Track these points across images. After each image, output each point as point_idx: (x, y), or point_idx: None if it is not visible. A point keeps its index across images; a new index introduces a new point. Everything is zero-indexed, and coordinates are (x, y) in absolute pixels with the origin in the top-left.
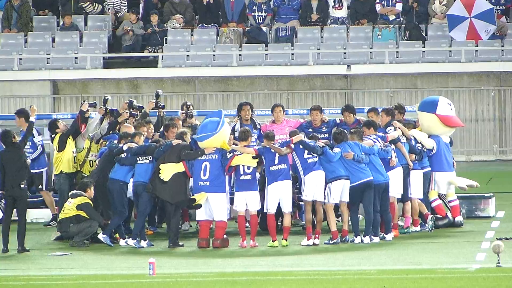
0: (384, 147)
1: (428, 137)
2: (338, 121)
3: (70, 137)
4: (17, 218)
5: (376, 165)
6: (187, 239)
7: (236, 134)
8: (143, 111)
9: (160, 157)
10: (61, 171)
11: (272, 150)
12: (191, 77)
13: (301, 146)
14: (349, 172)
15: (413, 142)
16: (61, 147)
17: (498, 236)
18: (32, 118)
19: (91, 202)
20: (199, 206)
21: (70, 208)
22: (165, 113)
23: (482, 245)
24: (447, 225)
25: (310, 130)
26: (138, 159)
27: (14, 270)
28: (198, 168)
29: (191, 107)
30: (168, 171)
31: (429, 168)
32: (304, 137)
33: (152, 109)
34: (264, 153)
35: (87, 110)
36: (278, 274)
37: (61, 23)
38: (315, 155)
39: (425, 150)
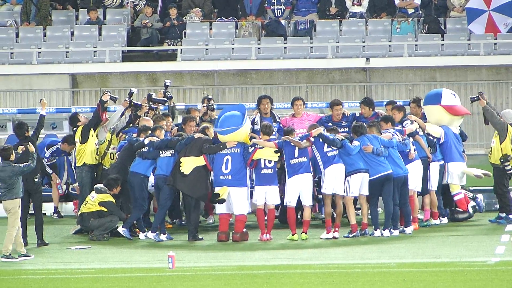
0: (402, 140)
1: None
2: (357, 115)
3: (92, 128)
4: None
5: (395, 158)
6: (207, 233)
7: (256, 127)
8: (166, 104)
9: (181, 150)
10: (84, 163)
11: (292, 144)
12: (210, 71)
13: (320, 140)
14: (368, 166)
15: (426, 134)
16: (84, 138)
17: None
18: (42, 112)
19: (114, 201)
20: (223, 200)
21: (92, 203)
22: (174, 102)
23: (501, 238)
24: (466, 219)
25: (330, 124)
26: (160, 152)
27: (33, 263)
28: (220, 162)
29: (212, 101)
30: (188, 164)
31: (443, 161)
32: (324, 131)
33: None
34: (284, 147)
35: (107, 101)
36: (298, 267)
37: (80, 16)
38: (335, 148)
39: (435, 140)
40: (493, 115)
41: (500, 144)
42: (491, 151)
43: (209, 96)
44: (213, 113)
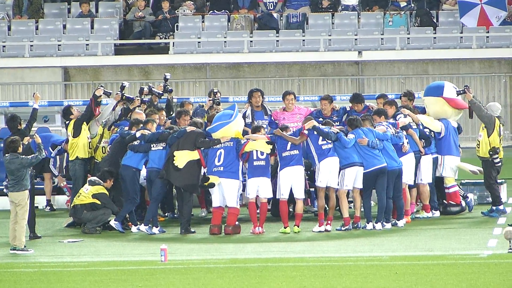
0: (396, 133)
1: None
2: (348, 109)
3: (85, 122)
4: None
5: (389, 151)
6: (199, 226)
7: (247, 120)
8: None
9: (174, 143)
10: (76, 156)
11: (286, 140)
12: (202, 64)
13: (315, 132)
14: (363, 159)
15: (421, 127)
16: (76, 132)
17: (510, 222)
18: (35, 105)
19: (107, 193)
20: (212, 185)
21: (86, 195)
22: (173, 96)
23: (494, 231)
24: (459, 212)
25: (321, 119)
26: (152, 145)
27: (25, 256)
28: (213, 155)
29: (219, 94)
30: (182, 158)
31: (436, 154)
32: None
33: (161, 91)
34: (276, 139)
35: (100, 96)
36: (290, 260)
37: (72, 9)
38: (329, 141)
39: (433, 135)
40: (481, 108)
41: (488, 137)
42: (478, 144)
43: (215, 90)
44: (219, 107)
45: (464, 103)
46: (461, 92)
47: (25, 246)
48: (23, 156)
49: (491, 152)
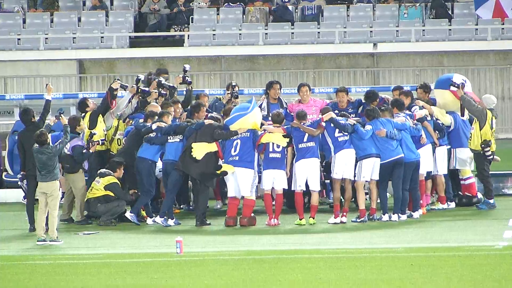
0: (414, 125)
1: (446, 113)
2: (363, 101)
3: (101, 114)
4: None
5: (408, 142)
6: (215, 218)
7: (263, 112)
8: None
9: (191, 135)
10: None
11: (304, 131)
12: (217, 56)
13: (332, 124)
14: (379, 150)
15: (435, 119)
16: (93, 125)
17: None
18: (48, 97)
19: (119, 182)
20: (225, 173)
21: (98, 188)
22: (192, 87)
23: (509, 222)
24: (475, 203)
25: (336, 111)
26: (168, 138)
27: (41, 249)
28: (230, 146)
29: (237, 87)
30: (200, 150)
31: (449, 146)
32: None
33: (180, 83)
34: (293, 131)
35: (117, 89)
36: (305, 252)
37: (87, 2)
38: (346, 133)
39: (444, 126)
40: (471, 103)
41: (480, 130)
42: (471, 137)
43: (234, 83)
44: (237, 100)
45: (473, 96)
46: (456, 85)
47: (57, 237)
48: (50, 145)
49: (483, 145)
